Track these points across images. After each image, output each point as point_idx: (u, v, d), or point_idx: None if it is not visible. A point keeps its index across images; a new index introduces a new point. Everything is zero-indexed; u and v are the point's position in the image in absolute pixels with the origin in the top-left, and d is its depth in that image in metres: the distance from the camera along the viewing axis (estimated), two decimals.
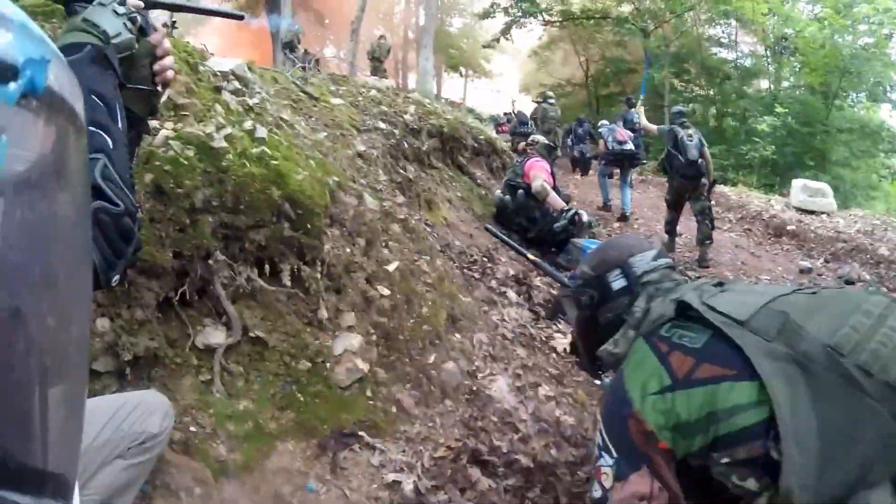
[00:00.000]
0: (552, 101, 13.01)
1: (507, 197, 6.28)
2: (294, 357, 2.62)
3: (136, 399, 1.70)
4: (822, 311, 1.41)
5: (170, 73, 1.30)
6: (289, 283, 2.63)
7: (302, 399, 2.60)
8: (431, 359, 3.14)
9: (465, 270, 4.65)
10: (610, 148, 9.64)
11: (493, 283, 4.74)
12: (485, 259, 5.18)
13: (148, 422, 1.65)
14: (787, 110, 19.23)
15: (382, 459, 2.60)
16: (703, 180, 7.08)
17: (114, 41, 1.14)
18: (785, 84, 22.97)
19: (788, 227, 9.38)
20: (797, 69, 22.19)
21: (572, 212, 6.02)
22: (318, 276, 2.69)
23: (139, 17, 1.21)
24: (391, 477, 2.54)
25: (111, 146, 1.04)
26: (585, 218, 6.14)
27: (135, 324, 2.34)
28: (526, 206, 6.14)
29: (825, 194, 11.48)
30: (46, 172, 0.44)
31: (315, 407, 2.61)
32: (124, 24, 1.17)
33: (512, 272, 5.14)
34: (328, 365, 2.67)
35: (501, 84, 39.58)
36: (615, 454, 1.44)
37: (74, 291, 0.50)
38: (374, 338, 2.87)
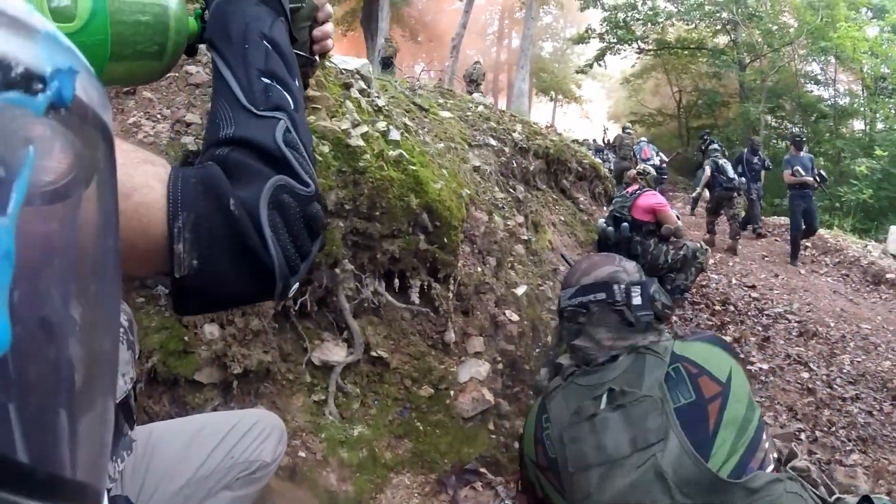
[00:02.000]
0: (629, 130, 14.83)
1: (611, 228, 5.94)
2: (416, 381, 2.39)
3: (249, 420, 1.51)
4: None
5: (329, 42, 1.10)
6: (417, 301, 2.40)
7: (421, 428, 2.37)
8: None
9: None
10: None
11: None
12: None
13: (262, 448, 1.46)
14: (885, 153, 18.34)
15: None
16: (735, 194, 9.82)
17: None
18: (880, 126, 21.91)
19: (888, 276, 8.93)
20: (893, 112, 21.16)
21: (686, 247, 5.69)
22: (450, 295, 2.46)
23: None
24: None
25: (292, 106, 0.84)
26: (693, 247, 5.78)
27: (248, 334, 2.16)
28: (629, 240, 5.79)
29: None
30: (74, 184, 0.43)
31: (435, 438, 2.37)
32: None
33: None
34: (452, 393, 2.43)
35: (590, 110, 39.21)
36: None
37: (103, 302, 0.49)
38: (500, 366, 2.62)
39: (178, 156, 2.23)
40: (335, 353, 2.31)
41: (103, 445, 0.48)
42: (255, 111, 0.82)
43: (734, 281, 7.63)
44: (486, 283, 2.67)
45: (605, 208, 7.15)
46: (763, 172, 11.25)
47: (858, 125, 23.11)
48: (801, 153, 9.81)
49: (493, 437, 2.49)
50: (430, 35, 31.30)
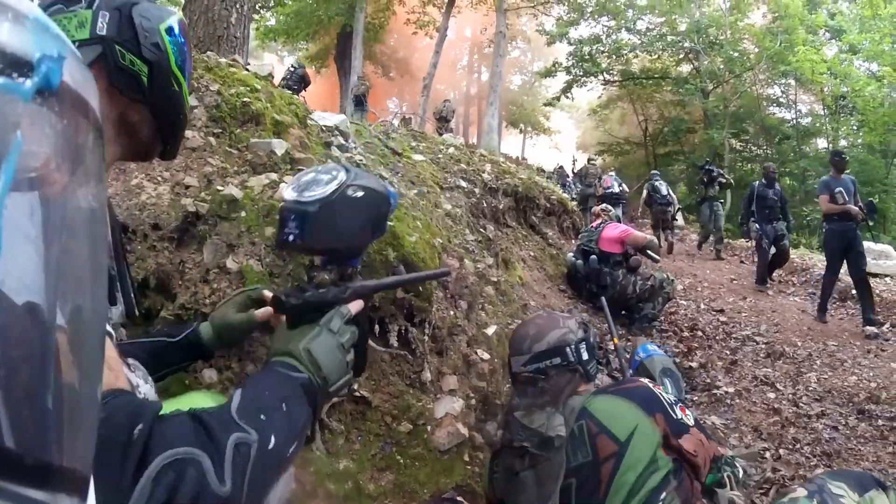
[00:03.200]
0: (594, 161, 16.50)
1: (580, 261, 6.25)
2: (396, 418, 2.62)
3: None
4: None
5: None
6: (396, 344, 2.64)
7: (402, 461, 2.58)
8: None
9: None
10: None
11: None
12: None
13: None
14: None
15: None
16: (670, 209, 12.47)
17: (331, 388, 1.07)
18: (843, 143, 22.59)
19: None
20: (855, 128, 21.82)
21: (653, 278, 5.99)
22: (425, 338, 2.70)
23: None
24: None
25: (270, 446, 0.89)
26: (660, 277, 6.09)
27: (244, 377, 2.37)
28: (598, 272, 6.09)
29: (889, 256, 11.21)
30: (61, 168, 0.44)
31: (415, 470, 2.59)
32: (347, 363, 1.10)
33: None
34: (429, 427, 2.65)
35: (560, 141, 39.93)
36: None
37: (90, 287, 0.50)
38: (473, 402, 2.85)
39: (179, 216, 2.46)
40: None
41: (90, 432, 0.49)
42: (235, 418, 0.88)
43: (702, 306, 7.85)
44: (458, 326, 2.92)
45: (573, 241, 7.45)
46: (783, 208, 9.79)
47: (822, 143, 23.87)
48: (843, 175, 8.32)
49: (469, 467, 2.71)
50: (403, 71, 31.88)
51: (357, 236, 1.25)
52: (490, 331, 3.11)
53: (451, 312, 2.95)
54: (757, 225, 9.26)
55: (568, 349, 1.96)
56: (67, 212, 0.46)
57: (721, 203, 12.57)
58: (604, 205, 7.34)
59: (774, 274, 9.94)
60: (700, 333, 6.55)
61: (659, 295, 6.05)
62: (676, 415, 1.81)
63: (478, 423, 2.84)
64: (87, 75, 0.48)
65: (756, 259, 9.79)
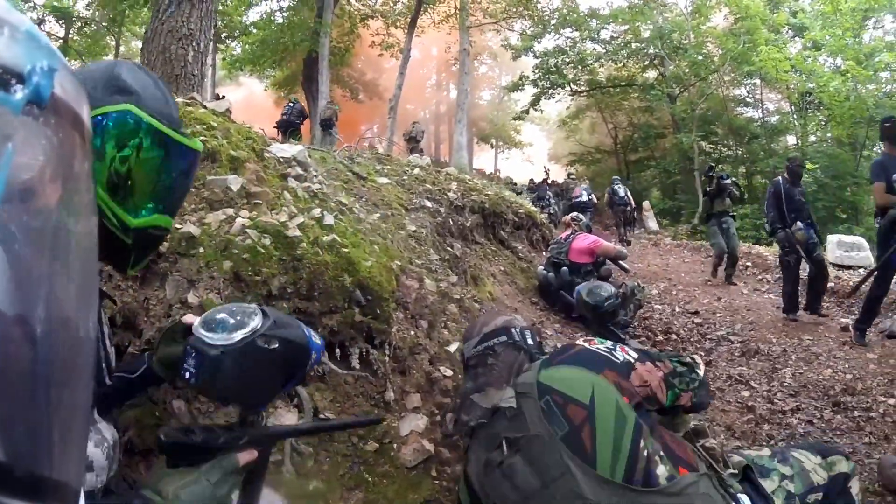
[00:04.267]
0: (573, 176, 18.40)
1: (551, 274, 6.34)
2: (362, 438, 2.69)
3: None
4: None
5: None
6: (358, 366, 2.72)
7: (370, 479, 2.65)
8: None
9: None
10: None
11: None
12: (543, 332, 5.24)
13: None
14: (816, 165, 19.04)
15: None
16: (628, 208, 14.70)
17: None
18: (812, 139, 22.94)
19: (828, 285, 9.05)
20: (823, 123, 22.17)
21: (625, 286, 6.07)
22: (386, 358, 2.79)
23: None
24: None
25: None
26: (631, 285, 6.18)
27: (211, 406, 2.44)
28: (571, 283, 6.17)
29: (861, 248, 11.31)
30: (52, 180, 0.44)
31: (383, 487, 2.66)
32: None
33: (559, 345, 5.18)
34: (395, 445, 2.73)
35: (531, 153, 40.21)
36: None
37: (80, 298, 0.50)
38: (437, 418, 2.93)
39: None
40: (288, 417, 2.61)
41: (81, 444, 0.49)
42: None
43: (677, 309, 7.86)
44: (419, 345, 3.01)
45: (543, 254, 7.55)
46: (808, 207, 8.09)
47: (791, 140, 24.20)
48: None
49: (437, 482, 2.78)
50: (371, 93, 32.07)
51: (262, 390, 1.16)
52: (452, 348, 3.20)
53: (412, 332, 3.04)
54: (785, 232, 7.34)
55: (513, 329, 2.10)
56: (59, 223, 0.46)
57: (733, 217, 10.17)
58: (574, 213, 7.47)
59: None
60: (674, 336, 6.57)
61: (630, 302, 6.11)
62: (619, 358, 1.89)
63: (444, 438, 2.92)
64: (79, 88, 0.48)
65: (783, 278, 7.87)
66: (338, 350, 2.70)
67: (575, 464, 1.70)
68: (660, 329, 6.78)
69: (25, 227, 0.41)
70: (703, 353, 6.08)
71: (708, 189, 9.98)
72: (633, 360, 1.91)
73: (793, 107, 23.50)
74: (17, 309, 0.40)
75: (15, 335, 0.39)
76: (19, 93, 0.39)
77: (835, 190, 19.57)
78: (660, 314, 7.50)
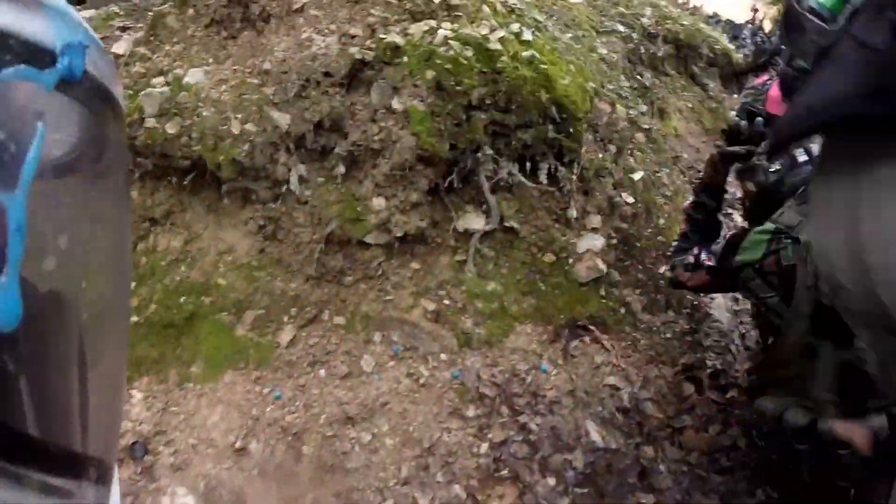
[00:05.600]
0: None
1: (744, 122, 5.89)
2: (541, 249, 2.86)
3: None
4: None
5: None
6: (545, 181, 2.82)
7: (543, 288, 2.85)
8: (662, 269, 3.24)
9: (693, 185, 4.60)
10: None
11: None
12: None
13: None
14: None
15: (605, 359, 2.81)
16: None
17: None
18: None
19: None
20: None
21: None
22: (573, 177, 2.86)
23: None
24: (611, 380, 2.74)
25: None
26: None
27: (408, 205, 2.67)
28: (763, 136, 5.73)
29: None
30: (85, 157, 0.43)
31: (554, 297, 2.85)
32: None
33: (739, 195, 4.98)
34: (570, 261, 2.88)
35: None
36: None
37: (113, 275, 0.50)
38: (614, 241, 3.02)
39: (347, 64, 2.70)
40: (476, 222, 2.81)
41: (115, 420, 0.48)
42: None
43: None
44: (605, 168, 3.04)
45: (734, 96, 7.02)
46: None
47: None
48: None
49: (604, 301, 2.93)
50: None
51: None
52: (637, 176, 3.20)
53: (600, 155, 3.06)
54: None
55: None
56: (92, 200, 0.46)
57: None
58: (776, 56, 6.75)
59: None
60: None
61: None
62: None
63: (616, 261, 3.03)
64: (111, 63, 0.47)
65: None
66: (528, 164, 2.80)
67: None
68: None
69: (58, 203, 0.41)
70: None
71: None
72: None
73: None
74: (50, 284, 0.40)
75: (48, 311, 0.39)
76: (51, 70, 0.38)
77: None
78: None
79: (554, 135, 2.76)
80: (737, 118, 5.98)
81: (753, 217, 2.43)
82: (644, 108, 3.84)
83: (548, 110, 2.72)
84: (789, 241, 1.87)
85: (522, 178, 2.78)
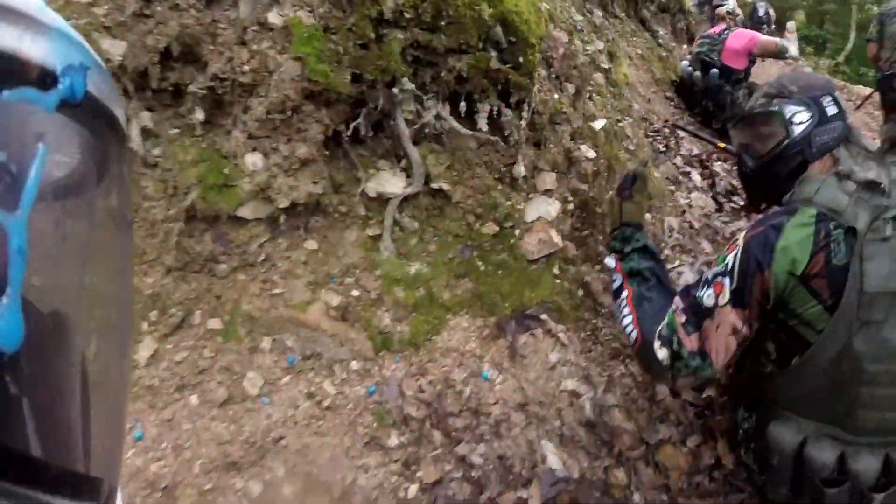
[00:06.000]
0: None
1: (698, 73, 5.35)
2: (480, 218, 2.18)
3: None
4: None
5: None
6: (485, 128, 2.13)
7: (483, 268, 2.19)
8: None
9: (650, 139, 4.02)
10: None
11: (678, 161, 4.09)
12: (666, 130, 4.50)
13: None
14: None
15: (563, 357, 2.19)
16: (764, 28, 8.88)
17: None
18: None
19: None
20: None
21: None
22: (522, 123, 2.17)
23: None
24: (570, 384, 2.14)
25: None
26: None
27: (295, 163, 1.94)
28: (718, 89, 5.23)
29: None
30: (86, 179, 0.44)
31: (497, 279, 2.20)
32: None
33: (696, 151, 4.45)
34: (517, 232, 2.22)
35: None
36: (735, 283, 1.51)
37: (114, 297, 0.50)
38: (570, 206, 2.38)
39: None
40: (392, 183, 2.10)
41: (118, 440, 0.49)
42: None
43: None
44: (562, 113, 2.37)
45: (685, 46, 6.53)
46: None
47: None
48: None
49: (558, 281, 2.31)
50: None
51: None
52: (598, 125, 2.55)
53: (556, 96, 2.38)
54: None
55: None
56: (93, 222, 0.47)
57: None
58: (731, 5, 6.19)
59: None
60: None
61: None
62: None
63: (573, 231, 2.39)
64: (111, 85, 0.47)
65: None
66: (463, 104, 2.09)
67: None
68: None
69: (59, 225, 0.41)
70: None
71: None
72: None
73: None
74: (53, 306, 0.40)
75: (50, 332, 0.39)
76: (53, 91, 0.38)
77: None
78: None
79: (498, 65, 2.05)
80: (690, 68, 5.47)
81: (760, 193, 1.88)
82: (601, 45, 3.19)
83: (491, 31, 2.01)
84: (839, 230, 1.44)
85: (455, 124, 2.08)
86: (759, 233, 1.52)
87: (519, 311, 2.21)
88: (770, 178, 1.72)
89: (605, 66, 2.94)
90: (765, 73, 6.70)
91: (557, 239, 2.24)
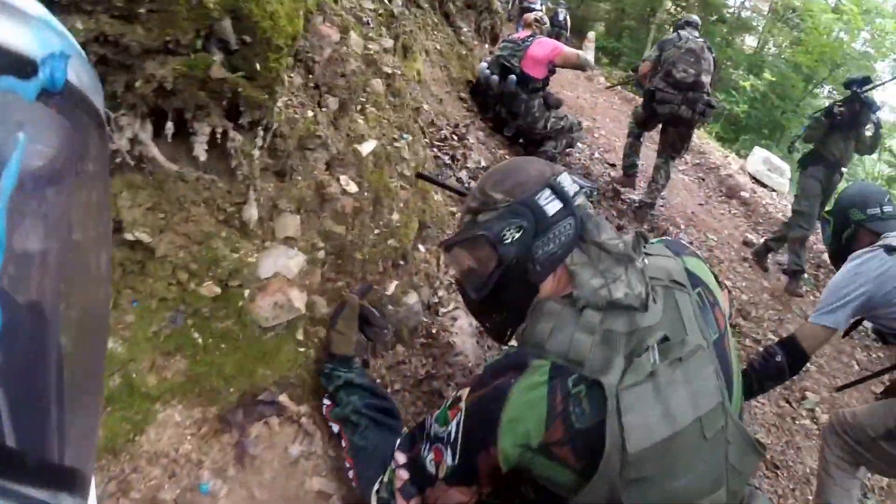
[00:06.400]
0: None
1: (495, 77, 5.11)
2: (195, 275, 1.61)
3: None
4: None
5: None
6: (203, 156, 1.56)
7: (200, 342, 1.63)
8: (391, 288, 2.21)
9: (435, 150, 3.64)
10: None
11: (464, 175, 3.77)
12: (454, 137, 4.17)
13: None
14: (774, 78, 19.04)
15: (307, 449, 1.72)
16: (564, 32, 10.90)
17: None
18: (772, 49, 22.47)
19: (741, 193, 8.93)
20: (790, 45, 21.56)
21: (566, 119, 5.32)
22: (256, 151, 1.63)
23: None
24: (317, 484, 1.67)
25: None
26: (572, 120, 5.43)
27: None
28: (514, 96, 5.05)
29: (783, 174, 10.77)
30: (65, 167, 0.43)
31: (219, 356, 1.65)
32: None
33: (484, 163, 4.17)
34: (247, 293, 1.69)
35: None
36: (457, 460, 1.25)
37: (91, 286, 0.49)
38: (321, 254, 1.89)
39: None
40: None
41: (92, 431, 0.51)
42: None
43: (595, 154, 7.16)
44: (316, 137, 1.85)
45: (486, 46, 6.30)
46: None
47: (750, 41, 23.67)
48: None
49: (302, 349, 1.83)
50: None
51: None
52: (367, 148, 2.07)
53: (310, 113, 1.86)
54: None
55: None
56: (71, 210, 0.46)
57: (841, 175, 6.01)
58: (539, 14, 6.02)
59: None
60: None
61: (565, 137, 5.41)
62: None
63: (324, 285, 1.91)
64: (93, 74, 0.47)
65: None
66: (171, 123, 1.50)
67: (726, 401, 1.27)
68: (577, 170, 6.14)
69: (38, 213, 0.40)
70: (614, 214, 5.70)
71: (837, 110, 5.64)
72: None
73: (771, 14, 22.23)
74: (31, 296, 0.40)
75: (28, 322, 0.39)
76: (33, 80, 0.37)
77: (773, 108, 19.54)
78: (579, 154, 6.77)
79: (225, 73, 1.48)
80: (488, 71, 5.19)
81: (498, 325, 1.60)
82: (389, 42, 2.70)
83: (216, 25, 1.44)
84: (581, 386, 1.19)
85: (156, 152, 1.48)
86: (482, 398, 1.24)
87: (249, 395, 1.69)
88: (501, 308, 1.44)
89: (389, 70, 2.46)
90: (560, 77, 6.70)
91: (299, 303, 1.74)
